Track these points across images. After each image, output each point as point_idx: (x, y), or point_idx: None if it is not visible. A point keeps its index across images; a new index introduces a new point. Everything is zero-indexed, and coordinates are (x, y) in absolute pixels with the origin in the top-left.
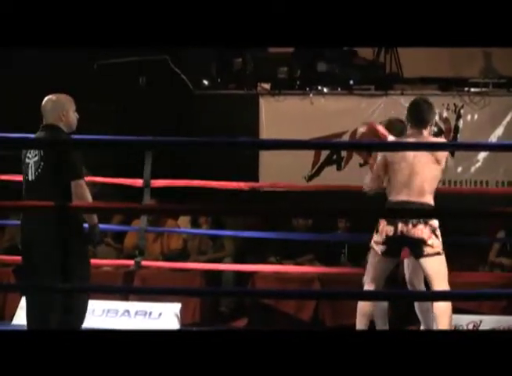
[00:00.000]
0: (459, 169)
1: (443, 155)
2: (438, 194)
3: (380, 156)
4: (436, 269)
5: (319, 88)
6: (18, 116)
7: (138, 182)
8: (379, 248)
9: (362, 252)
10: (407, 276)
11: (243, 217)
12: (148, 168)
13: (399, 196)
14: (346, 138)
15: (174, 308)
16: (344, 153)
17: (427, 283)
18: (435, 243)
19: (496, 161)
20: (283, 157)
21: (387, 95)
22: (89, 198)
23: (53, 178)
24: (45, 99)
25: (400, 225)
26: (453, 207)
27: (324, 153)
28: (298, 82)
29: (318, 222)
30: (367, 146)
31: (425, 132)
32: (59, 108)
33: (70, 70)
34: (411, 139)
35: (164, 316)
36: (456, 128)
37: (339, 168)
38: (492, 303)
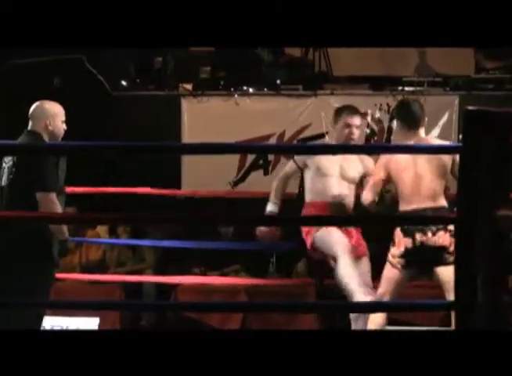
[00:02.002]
0: None
1: (448, 157)
2: None
3: (381, 169)
4: (452, 277)
5: (245, 88)
6: None
7: None
8: (397, 262)
9: (291, 262)
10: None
11: (165, 226)
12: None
13: (411, 205)
14: (273, 141)
15: (92, 322)
16: (271, 157)
17: None
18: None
19: None
20: (206, 161)
21: (316, 96)
22: (58, 209)
23: (21, 187)
24: (35, 104)
25: (418, 235)
26: None
27: (250, 158)
28: (222, 82)
29: (244, 231)
30: (294, 149)
31: (422, 133)
32: (47, 116)
33: None
34: (410, 142)
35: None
36: (390, 129)
37: (266, 173)
38: None
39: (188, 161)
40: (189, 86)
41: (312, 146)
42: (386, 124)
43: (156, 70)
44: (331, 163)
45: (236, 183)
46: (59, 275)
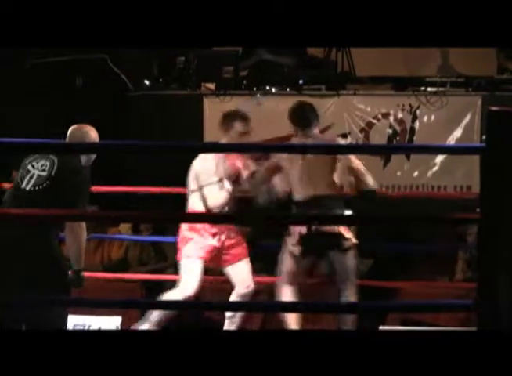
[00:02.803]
0: (416, 173)
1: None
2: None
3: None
4: (352, 262)
5: (267, 88)
6: None
7: None
8: (295, 250)
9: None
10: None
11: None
12: None
13: (305, 192)
14: (295, 141)
15: (115, 321)
16: None
17: None
18: (350, 236)
19: (454, 165)
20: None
21: (338, 96)
22: (83, 237)
23: (51, 200)
24: (76, 127)
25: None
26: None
27: None
28: (245, 82)
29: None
30: (316, 149)
31: (315, 131)
32: (89, 140)
33: None
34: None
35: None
36: (412, 129)
37: None
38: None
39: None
40: (211, 85)
41: (341, 146)
42: (408, 125)
43: (179, 69)
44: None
45: None
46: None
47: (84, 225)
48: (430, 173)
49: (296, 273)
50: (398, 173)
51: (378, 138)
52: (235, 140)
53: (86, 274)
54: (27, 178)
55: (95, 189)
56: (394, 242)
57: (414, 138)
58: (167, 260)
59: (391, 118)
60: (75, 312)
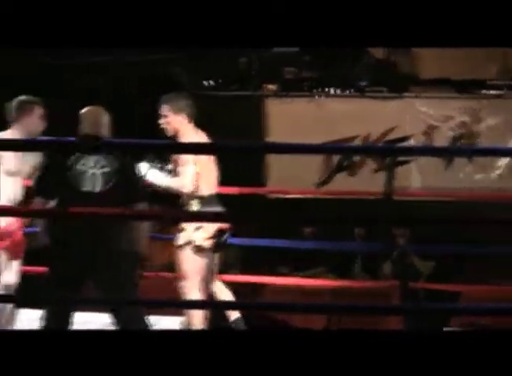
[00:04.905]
0: (479, 176)
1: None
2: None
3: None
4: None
5: (329, 89)
6: None
7: None
8: (207, 243)
9: (377, 263)
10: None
11: (251, 225)
12: None
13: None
14: (358, 143)
15: (177, 321)
16: (356, 159)
17: None
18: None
19: None
20: (291, 163)
21: (401, 98)
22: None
23: (124, 194)
24: (101, 110)
25: None
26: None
27: (335, 159)
28: (306, 83)
29: (330, 231)
30: (380, 150)
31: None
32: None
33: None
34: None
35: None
36: (475, 132)
37: (351, 174)
38: None
39: (273, 162)
40: (273, 87)
41: (397, 148)
42: (472, 128)
43: (241, 70)
44: None
45: (321, 184)
46: (147, 273)
47: None
48: (493, 176)
49: (207, 269)
50: (461, 175)
51: (441, 141)
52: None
53: (150, 274)
54: (90, 181)
55: None
56: (460, 245)
57: (477, 140)
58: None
59: (454, 121)
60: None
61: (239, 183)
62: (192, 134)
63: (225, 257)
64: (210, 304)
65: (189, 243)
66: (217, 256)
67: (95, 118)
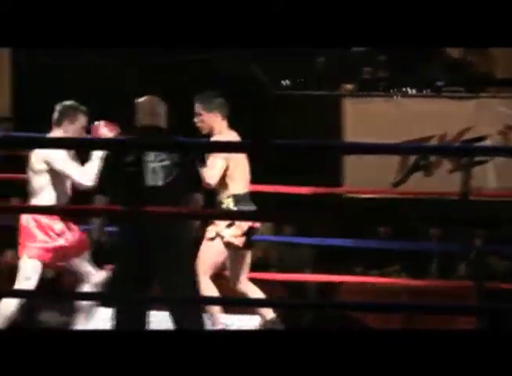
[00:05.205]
0: None
1: None
2: None
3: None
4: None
5: (405, 89)
6: None
7: None
8: (239, 241)
9: (453, 263)
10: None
11: (327, 225)
12: None
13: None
14: (434, 143)
15: (254, 320)
16: (432, 159)
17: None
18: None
19: None
20: (368, 162)
21: (478, 98)
22: None
23: (184, 186)
24: (157, 99)
25: None
26: None
27: (412, 159)
28: (383, 83)
29: (406, 230)
30: (456, 150)
31: None
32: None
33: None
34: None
35: (243, 329)
36: None
37: (427, 174)
38: None
39: (350, 162)
40: (350, 86)
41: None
42: None
43: (318, 70)
44: None
45: (397, 184)
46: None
47: None
48: None
49: (241, 263)
50: None
51: None
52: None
53: (226, 273)
54: (153, 174)
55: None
56: None
57: None
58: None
59: None
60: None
61: (315, 183)
62: (226, 132)
63: (300, 256)
64: (281, 303)
65: (218, 237)
66: (248, 255)
67: (152, 108)
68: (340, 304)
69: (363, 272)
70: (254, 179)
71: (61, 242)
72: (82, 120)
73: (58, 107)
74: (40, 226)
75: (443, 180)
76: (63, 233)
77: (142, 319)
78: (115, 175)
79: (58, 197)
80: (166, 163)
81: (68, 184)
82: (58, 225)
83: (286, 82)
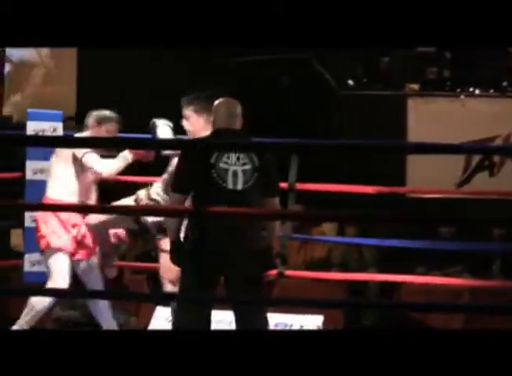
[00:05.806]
0: None
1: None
2: None
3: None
4: None
5: (470, 89)
6: None
7: (282, 185)
8: None
9: None
10: None
11: (390, 225)
12: (294, 171)
13: None
14: (499, 143)
15: (317, 320)
16: (496, 159)
17: None
18: None
19: None
20: (431, 162)
21: None
22: None
23: (261, 192)
24: (233, 101)
25: None
26: None
27: (476, 159)
28: (448, 83)
29: (469, 231)
30: None
31: None
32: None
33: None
34: None
35: (306, 328)
36: None
37: (491, 175)
38: None
39: (413, 161)
40: (415, 86)
41: None
42: None
43: (383, 69)
44: None
45: (460, 184)
46: (288, 272)
47: None
48: None
49: None
50: None
51: None
52: None
53: (289, 273)
54: (232, 178)
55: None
56: None
57: None
58: (363, 259)
59: None
60: (277, 311)
61: (379, 182)
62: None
63: (364, 256)
64: (346, 303)
65: None
66: None
67: (229, 110)
68: (402, 304)
69: (425, 273)
70: (317, 179)
71: (79, 234)
72: (106, 127)
73: (89, 113)
74: (59, 219)
75: (507, 180)
76: (78, 226)
77: (206, 321)
78: (195, 175)
79: (79, 186)
80: (247, 167)
81: (90, 175)
82: (75, 218)
83: (351, 82)
